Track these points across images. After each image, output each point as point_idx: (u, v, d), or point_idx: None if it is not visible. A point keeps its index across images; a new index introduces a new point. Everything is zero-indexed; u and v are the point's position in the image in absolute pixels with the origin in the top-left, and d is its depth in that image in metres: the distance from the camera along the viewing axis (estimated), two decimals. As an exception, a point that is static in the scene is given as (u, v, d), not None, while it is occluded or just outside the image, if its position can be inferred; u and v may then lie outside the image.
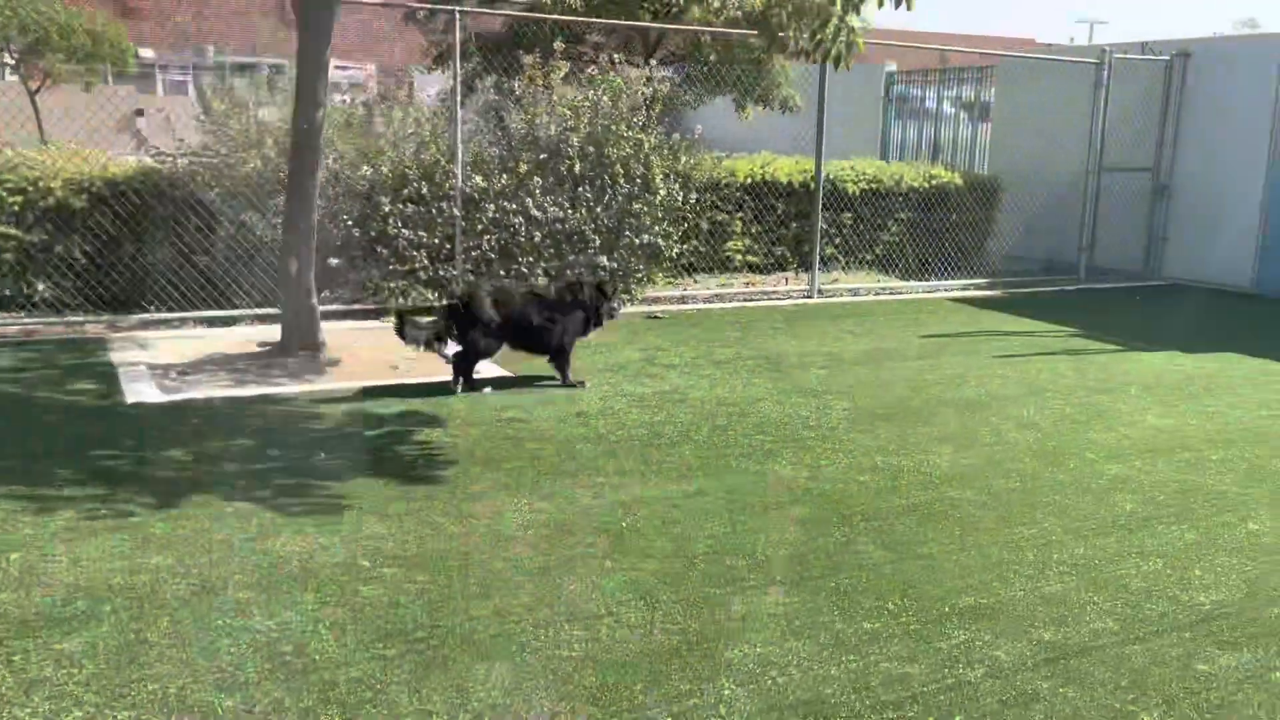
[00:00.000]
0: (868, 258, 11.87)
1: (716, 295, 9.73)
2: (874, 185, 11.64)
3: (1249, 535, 4.18)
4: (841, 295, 10.24)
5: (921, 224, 11.94)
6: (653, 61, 9.25)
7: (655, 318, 8.61)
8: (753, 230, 11.27)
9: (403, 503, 4.22)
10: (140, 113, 16.92)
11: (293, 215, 6.49)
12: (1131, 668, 3.14)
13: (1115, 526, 4.23)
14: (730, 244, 11.13)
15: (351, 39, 25.19)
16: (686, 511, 4.24)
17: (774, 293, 10.04)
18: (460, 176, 8.22)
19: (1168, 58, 11.51)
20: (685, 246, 9.83)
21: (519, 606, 3.37)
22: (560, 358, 6.27)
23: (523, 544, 3.87)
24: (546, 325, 6.15)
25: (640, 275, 9.07)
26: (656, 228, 9.06)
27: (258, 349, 6.84)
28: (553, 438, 5.18)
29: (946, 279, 11.24)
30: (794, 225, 11.27)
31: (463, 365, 6.05)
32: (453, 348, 6.08)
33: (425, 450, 4.93)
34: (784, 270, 11.31)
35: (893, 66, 15.59)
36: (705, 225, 10.77)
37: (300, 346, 6.64)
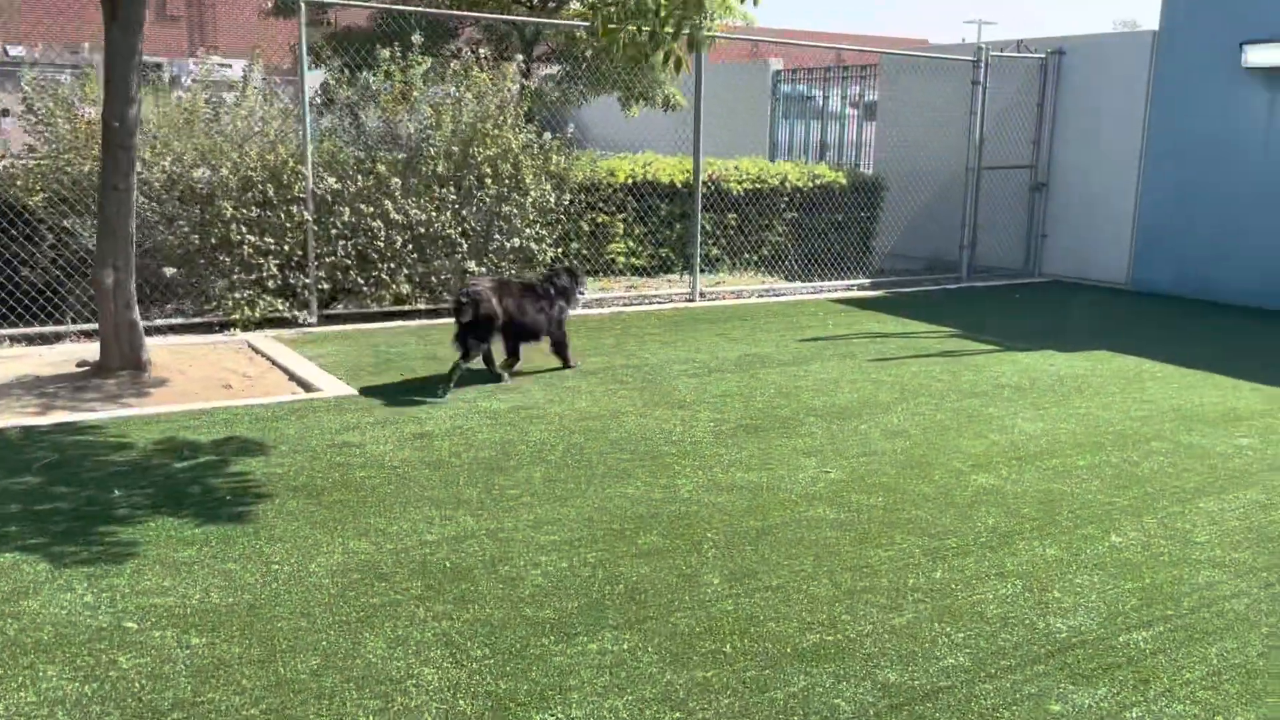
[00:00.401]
0: (753, 259, 11.69)
1: (596, 300, 9.38)
2: (758, 185, 11.46)
3: (1111, 550, 4.00)
4: (724, 298, 10.00)
5: (806, 224, 11.82)
6: (519, 57, 8.83)
7: (526, 326, 8.22)
8: (636, 232, 10.96)
9: (195, 548, 3.74)
10: (5, 112, 15.75)
11: (108, 220, 5.88)
12: (981, 710, 2.89)
13: (976, 544, 4.02)
14: (613, 246, 10.81)
15: (237, 38, 24.16)
16: (522, 546, 3.87)
17: (655, 296, 9.74)
18: (310, 178, 7.68)
19: (1043, 55, 11.62)
20: (562, 250, 9.46)
21: (304, 672, 2.94)
22: (561, 347, 6.74)
23: (325, 593, 3.44)
24: (540, 315, 6.54)
25: (512, 281, 8.67)
26: (529, 230, 8.66)
27: (76, 369, 6.21)
28: (387, 464, 4.74)
29: (831, 279, 11.12)
30: (678, 227, 11.01)
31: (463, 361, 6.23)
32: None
33: (238, 483, 4.43)
34: (669, 273, 11.04)
35: (778, 64, 15.50)
36: (586, 227, 10.46)
37: (121, 365, 6.03)
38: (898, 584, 3.64)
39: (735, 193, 11.26)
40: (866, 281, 11.04)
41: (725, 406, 5.92)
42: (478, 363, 6.30)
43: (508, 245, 8.48)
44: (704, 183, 11.08)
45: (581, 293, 7.04)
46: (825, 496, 4.49)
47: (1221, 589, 3.67)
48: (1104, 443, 5.41)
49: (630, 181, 10.73)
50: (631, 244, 10.95)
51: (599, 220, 10.57)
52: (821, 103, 15.02)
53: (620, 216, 10.76)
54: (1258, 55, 9.56)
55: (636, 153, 11.72)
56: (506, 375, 6.41)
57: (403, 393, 5.95)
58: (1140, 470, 4.97)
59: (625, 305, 9.42)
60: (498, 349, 6.42)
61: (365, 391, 5.97)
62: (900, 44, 32.69)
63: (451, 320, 6.27)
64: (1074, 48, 11.51)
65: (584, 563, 3.72)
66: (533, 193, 8.59)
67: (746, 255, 11.65)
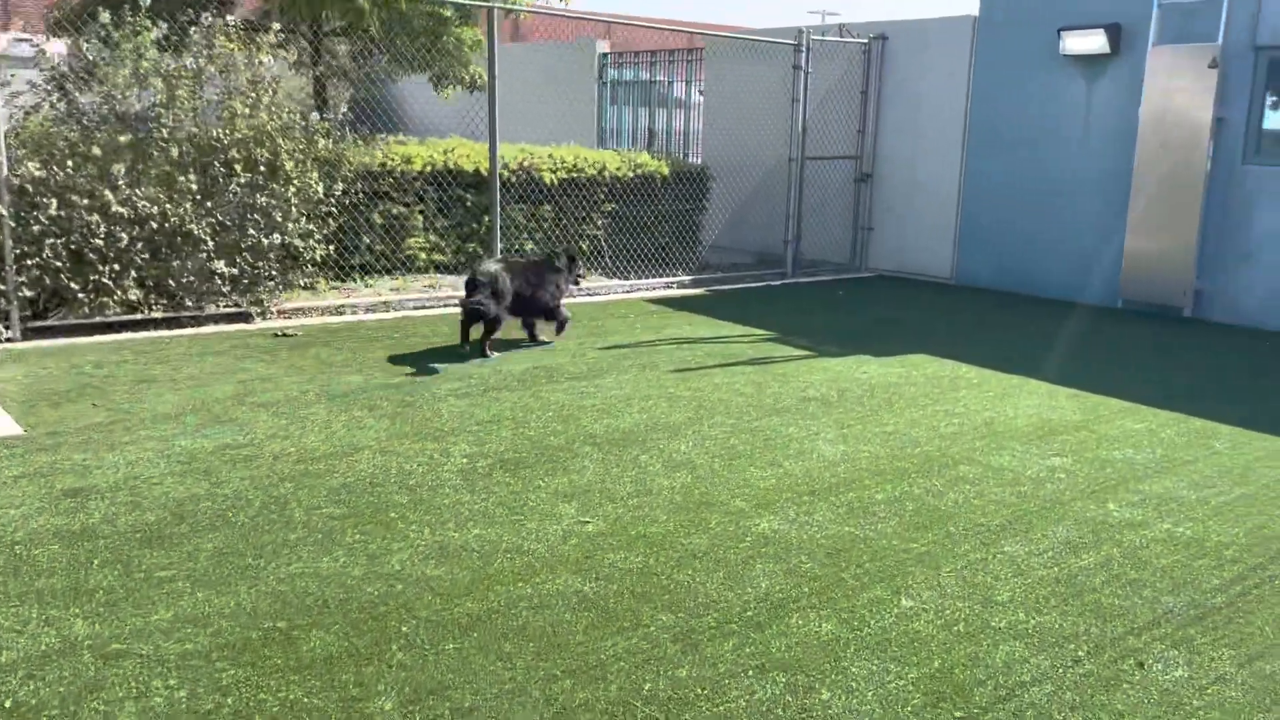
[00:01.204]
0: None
1: (384, 303, 8.35)
2: (574, 174, 10.62)
3: (899, 619, 3.34)
4: (531, 298, 9.13)
5: (627, 216, 11.07)
6: (274, 26, 7.64)
7: (284, 335, 7.12)
8: (439, 225, 9.97)
9: None
10: None
11: None
12: None
13: (741, 621, 3.29)
14: (412, 241, 9.78)
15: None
16: (135, 663, 2.88)
17: (452, 298, 8.78)
18: (4, 164, 6.36)
19: (865, 40, 11.22)
20: (334, 247, 8.38)
21: None
22: (561, 322, 7.30)
23: None
24: (542, 292, 7.11)
25: (273, 283, 7.54)
26: (292, 225, 7.54)
27: None
28: (4, 538, 3.66)
29: (651, 276, 10.40)
30: (486, 219, 10.07)
31: (484, 336, 6.82)
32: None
33: None
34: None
35: (605, 47, 14.70)
36: (379, 220, 9.40)
37: None
38: (626, 694, 2.84)
39: (549, 182, 10.40)
40: (688, 279, 10.37)
41: (490, 435, 5.05)
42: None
43: (265, 243, 7.34)
44: (514, 171, 10.19)
45: (580, 275, 7.69)
46: (574, 559, 3.69)
47: (1021, 672, 3.05)
48: (908, 469, 4.82)
49: (429, 169, 9.72)
50: (434, 238, 9.95)
51: (394, 212, 9.54)
52: (649, 88, 14.31)
53: (419, 208, 9.75)
54: (1075, 42, 9.35)
55: (453, 139, 10.73)
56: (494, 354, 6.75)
57: (85, 430, 4.82)
58: (944, 504, 4.38)
59: (418, 307, 8.41)
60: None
61: (35, 429, 4.81)
62: (733, 29, 32.44)
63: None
64: (897, 32, 11.14)
65: (213, 687, 2.78)
66: (295, 182, 7.48)
67: (565, 249, 10.82)
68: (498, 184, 8.73)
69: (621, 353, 6.99)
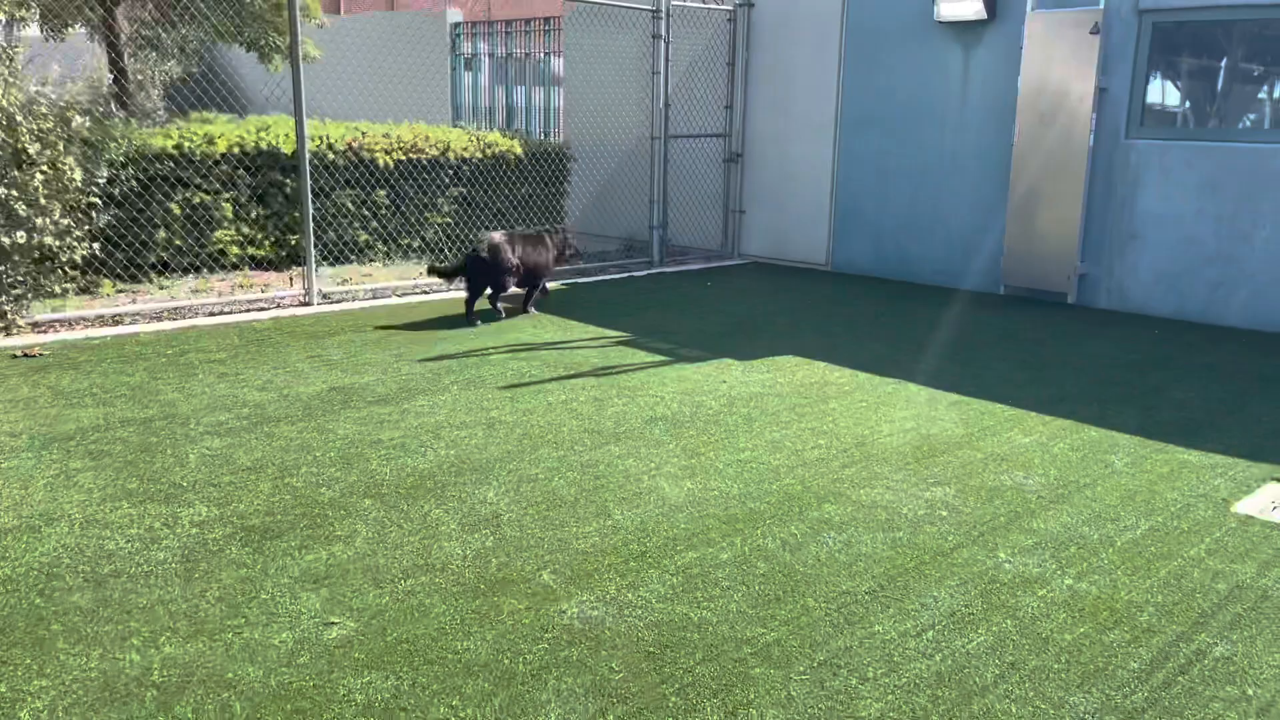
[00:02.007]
0: (415, 244, 9.76)
1: (171, 310, 7.09)
2: (413, 155, 9.50)
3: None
4: (357, 299, 7.99)
5: (478, 201, 10.01)
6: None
7: (25, 356, 5.84)
8: (253, 214, 8.71)
9: None
10: None
11: None
12: None
13: (513, 784, 2.37)
14: (221, 234, 8.51)
15: None
16: None
17: (259, 301, 7.57)
18: None
19: (730, 8, 10.36)
20: (104, 245, 7.10)
21: None
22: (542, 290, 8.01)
23: None
24: (542, 261, 7.73)
25: (19, 291, 6.23)
26: (42, 220, 6.24)
27: None
28: None
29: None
30: (313, 206, 8.86)
31: (492, 298, 7.49)
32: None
33: None
34: (304, 264, 8.90)
35: (458, 15, 13.50)
36: (177, 210, 8.10)
37: None
38: None
39: (384, 164, 9.25)
40: None
41: (242, 490, 3.98)
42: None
43: (7, 242, 6.03)
44: (342, 152, 9.01)
45: (574, 249, 8.22)
46: (294, 691, 2.67)
47: (893, 847, 2.22)
48: (763, 511, 3.97)
49: (237, 151, 8.46)
50: (247, 229, 8.70)
51: (195, 201, 8.25)
52: (506, 61, 13.19)
53: (228, 195, 8.48)
54: (949, 7, 8.67)
55: (322, 118, 9.49)
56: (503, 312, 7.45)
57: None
58: (802, 562, 3.53)
59: (212, 314, 7.18)
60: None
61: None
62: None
63: None
64: (764, 0, 10.33)
65: None
66: (45, 168, 6.18)
67: (406, 240, 9.69)
68: (308, 167, 7.53)
69: (445, 365, 5.97)
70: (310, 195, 7.66)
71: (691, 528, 3.78)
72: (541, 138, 12.61)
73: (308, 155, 7.60)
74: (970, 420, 5.23)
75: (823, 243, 10.12)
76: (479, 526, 3.72)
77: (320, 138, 8.97)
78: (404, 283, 8.47)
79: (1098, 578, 3.48)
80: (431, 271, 7.49)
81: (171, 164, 8.04)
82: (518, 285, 7.60)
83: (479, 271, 7.31)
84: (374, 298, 8.02)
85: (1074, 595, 3.35)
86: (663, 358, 6.33)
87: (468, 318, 7.28)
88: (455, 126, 13.29)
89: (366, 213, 9.33)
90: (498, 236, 7.39)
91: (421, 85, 13.50)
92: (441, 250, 9.69)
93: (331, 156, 8.99)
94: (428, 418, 4.95)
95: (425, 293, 8.33)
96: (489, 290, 7.41)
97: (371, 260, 9.46)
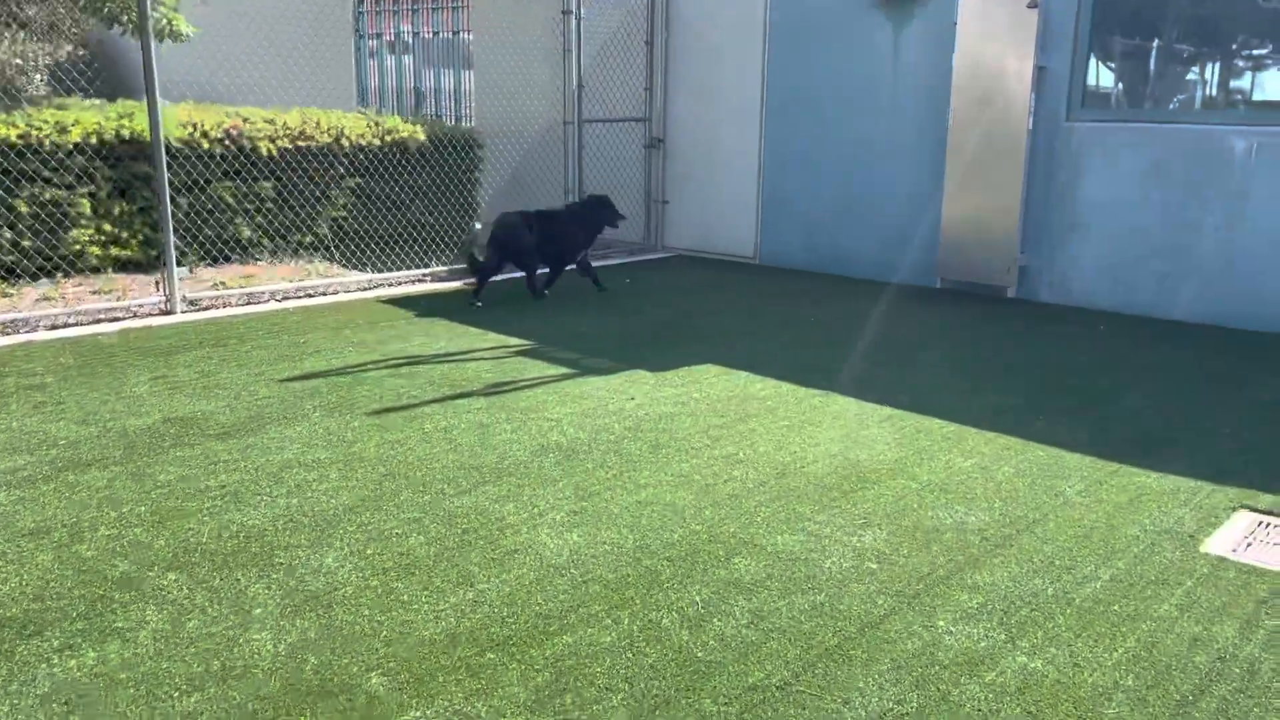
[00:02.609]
0: (307, 240, 8.92)
1: (7, 323, 6.19)
2: (301, 143, 8.66)
3: None
4: (230, 304, 7.15)
5: (376, 193, 9.20)
6: None
7: None
8: (117, 211, 7.81)
9: None
10: None
11: None
12: None
13: None
14: (78, 233, 7.60)
15: None
16: None
17: (113, 310, 6.70)
18: None
19: (648, -17, 9.69)
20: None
21: None
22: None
23: None
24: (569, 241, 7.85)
25: None
26: None
27: None
28: None
29: (405, 268, 8.58)
30: (185, 200, 7.99)
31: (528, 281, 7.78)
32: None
33: None
34: (178, 265, 8.01)
35: (360, -8, 12.60)
36: (24, 208, 7.18)
37: None
38: None
39: (267, 153, 8.39)
40: (445, 270, 8.60)
41: (9, 566, 3.18)
42: None
43: None
44: (218, 140, 8.14)
45: (618, 216, 8.01)
46: None
47: None
48: (660, 572, 3.30)
49: (94, 140, 7.54)
50: (110, 228, 7.79)
51: (46, 197, 7.33)
52: (415, 40, 12.33)
53: (84, 190, 7.57)
54: (877, -17, 8.09)
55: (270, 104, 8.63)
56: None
57: None
58: (701, 648, 2.84)
59: (55, 326, 6.30)
60: None
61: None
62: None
63: None
64: (685, -26, 9.65)
65: None
66: None
67: (297, 236, 8.85)
68: (164, 156, 6.68)
69: (312, 386, 5.21)
70: (168, 188, 6.82)
71: (571, 598, 3.11)
72: (453, 123, 11.80)
73: (163, 143, 6.74)
74: (904, 439, 4.64)
75: (750, 234, 9.51)
76: (304, 608, 3.01)
77: (193, 124, 8.09)
78: (286, 285, 7.65)
79: (1054, 651, 2.89)
80: (471, 264, 7.71)
81: (16, 156, 7.12)
82: (544, 264, 7.76)
83: (503, 248, 7.52)
84: (249, 303, 7.19)
85: (1027, 679, 2.75)
86: (567, 370, 5.64)
87: (476, 294, 7.56)
88: (359, 111, 12.42)
89: (249, 206, 8.47)
90: (510, 217, 7.59)
91: (324, 68, 12.57)
92: (334, 247, 8.87)
93: (206, 145, 8.10)
94: (274, 455, 4.20)
95: (309, 296, 7.53)
96: (524, 273, 7.70)
97: (257, 259, 8.62)
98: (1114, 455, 4.50)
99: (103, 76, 10.46)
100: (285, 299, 7.40)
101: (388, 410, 4.83)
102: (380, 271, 8.42)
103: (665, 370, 5.70)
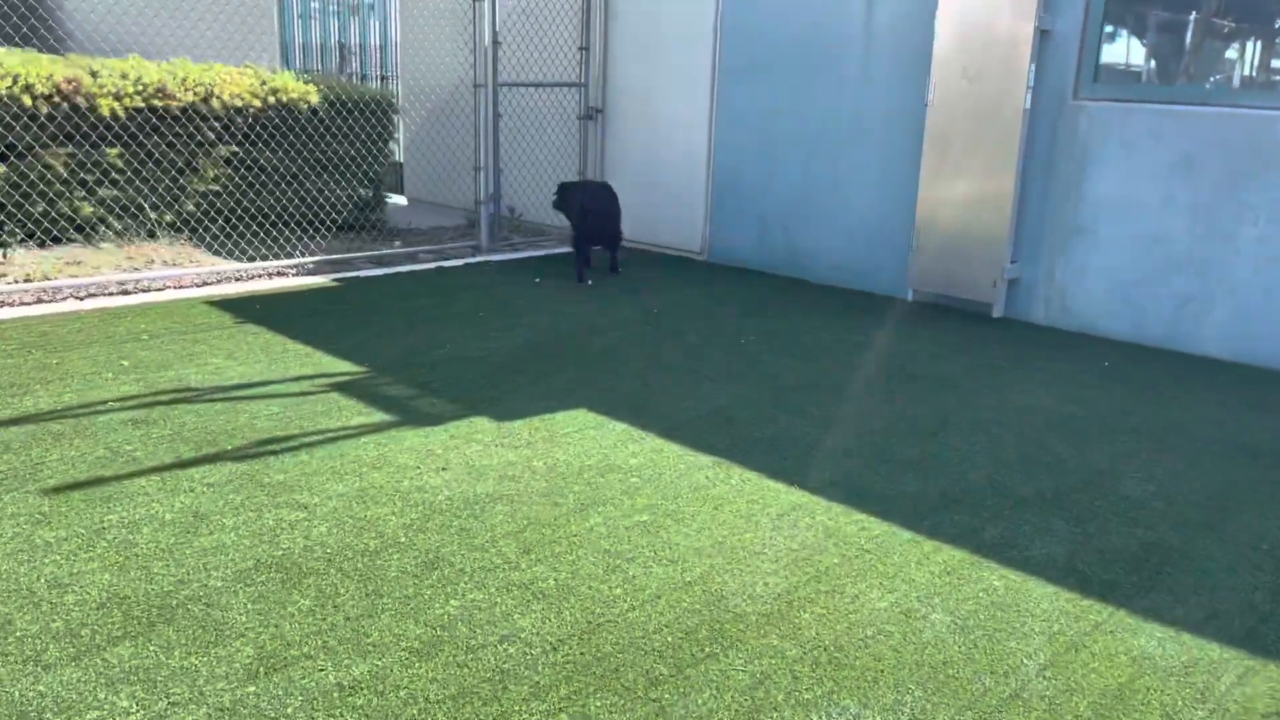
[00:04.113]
0: (167, 219, 7.54)
1: None
2: (159, 102, 7.26)
3: None
4: (12, 304, 5.77)
5: (259, 165, 7.80)
6: None
7: None
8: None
9: None
10: None
11: None
12: None
13: None
14: None
15: None
16: None
17: None
18: None
19: (582, -80, 8.17)
20: None
21: None
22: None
23: None
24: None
25: None
26: None
27: None
28: None
29: (276, 257, 7.17)
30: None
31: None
32: None
33: None
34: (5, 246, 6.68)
35: (279, -68, 11.12)
36: None
37: None
38: None
39: (112, 113, 7.00)
40: (311, 261, 7.10)
41: None
42: None
43: None
44: (48, 97, 6.75)
45: None
46: None
47: None
48: None
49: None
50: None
51: None
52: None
53: None
54: (848, -78, 6.56)
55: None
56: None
57: None
58: None
59: None
60: None
61: None
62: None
63: None
64: (630, -87, 8.12)
65: None
66: None
67: (157, 215, 7.47)
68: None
69: (2, 439, 3.84)
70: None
71: None
72: (377, 83, 10.36)
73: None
74: (804, 554, 3.23)
75: (698, 226, 8.04)
76: None
77: (13, 77, 6.70)
78: (108, 278, 6.24)
79: None
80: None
81: None
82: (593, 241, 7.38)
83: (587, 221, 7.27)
84: (40, 301, 5.81)
85: None
86: (384, 418, 4.25)
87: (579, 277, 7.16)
88: (282, 69, 11.02)
89: (88, 178, 7.09)
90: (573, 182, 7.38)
91: (243, 20, 11.14)
92: (204, 229, 7.48)
93: (29, 102, 6.71)
94: None
95: (139, 291, 6.15)
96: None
97: (101, 242, 7.24)
98: (1101, 589, 3.08)
99: (16, 25, 9.12)
100: (94, 296, 6.03)
101: (75, 486, 3.45)
102: (257, 260, 7.04)
103: (516, 419, 4.31)
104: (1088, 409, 4.79)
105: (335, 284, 6.63)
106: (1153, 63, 6.13)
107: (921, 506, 3.63)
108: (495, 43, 7.53)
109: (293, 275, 6.79)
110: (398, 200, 10.24)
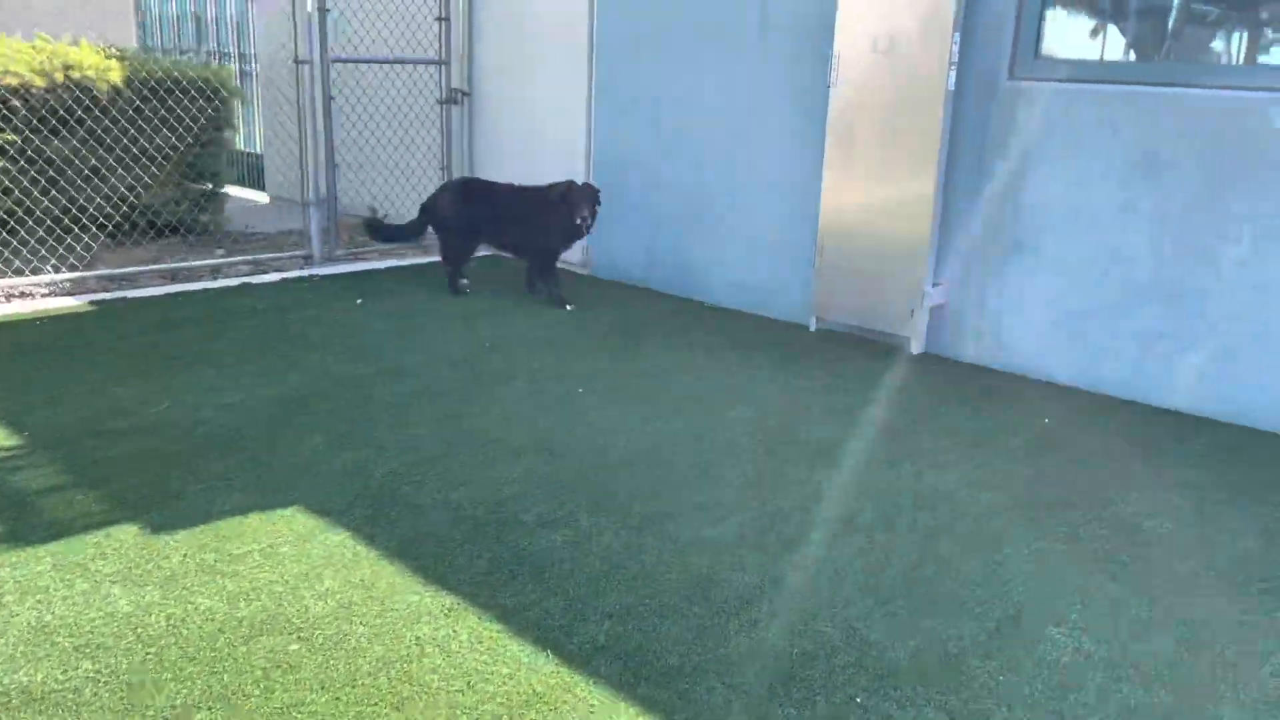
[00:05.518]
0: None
1: None
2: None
3: None
4: None
5: (43, 156, 6.44)
6: None
7: None
8: None
9: None
10: None
11: None
12: None
13: None
14: None
15: None
16: None
17: None
18: None
19: None
20: None
21: None
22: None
23: None
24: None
25: None
26: None
27: None
28: None
29: (64, 268, 5.80)
30: None
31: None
32: None
33: None
34: None
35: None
36: None
37: None
38: None
39: None
40: (69, 279, 5.67)
41: None
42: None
43: None
44: None
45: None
46: None
47: None
48: None
49: None
50: None
51: None
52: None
53: None
54: None
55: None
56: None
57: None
58: None
59: None
60: None
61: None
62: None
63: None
64: None
65: None
66: None
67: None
68: None
69: None
70: None
71: None
72: (235, 62, 9.00)
73: None
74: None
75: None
76: None
77: None
78: None
79: None
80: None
81: None
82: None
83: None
84: None
85: None
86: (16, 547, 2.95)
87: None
88: (139, 45, 9.67)
89: None
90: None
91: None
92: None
93: None
94: None
95: None
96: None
97: None
98: None
99: None
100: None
101: None
102: (30, 274, 5.68)
103: (183, 528, 2.98)
104: (1011, 496, 3.51)
105: (89, 308, 5.28)
106: (1111, 32, 4.85)
107: (744, 689, 2.35)
108: (322, 9, 6.17)
109: (41, 296, 5.44)
110: (256, 198, 8.89)
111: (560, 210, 5.60)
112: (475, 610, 2.66)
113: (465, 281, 6.11)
